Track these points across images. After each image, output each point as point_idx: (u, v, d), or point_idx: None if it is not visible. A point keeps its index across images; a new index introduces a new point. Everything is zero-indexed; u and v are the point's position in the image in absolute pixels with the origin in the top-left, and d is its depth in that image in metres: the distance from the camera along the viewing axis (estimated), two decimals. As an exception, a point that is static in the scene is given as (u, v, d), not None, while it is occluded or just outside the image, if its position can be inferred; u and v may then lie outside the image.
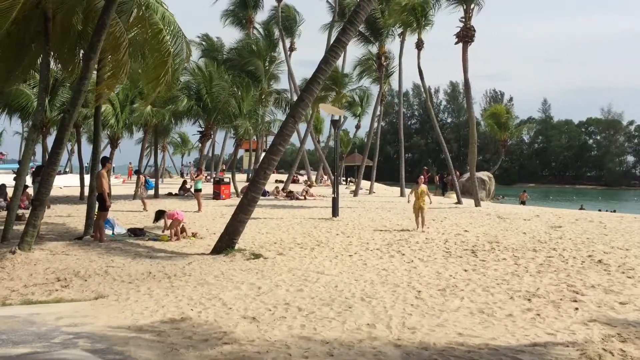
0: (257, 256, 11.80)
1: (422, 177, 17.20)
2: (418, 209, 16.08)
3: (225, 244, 12.36)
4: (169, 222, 14.81)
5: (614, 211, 29.21)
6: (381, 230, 16.01)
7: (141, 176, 24.89)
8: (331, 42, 18.40)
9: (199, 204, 21.74)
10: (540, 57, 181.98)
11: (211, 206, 23.89)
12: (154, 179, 29.79)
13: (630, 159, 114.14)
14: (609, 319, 7.14)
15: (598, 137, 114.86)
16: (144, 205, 22.43)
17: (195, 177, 24.18)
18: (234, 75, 29.63)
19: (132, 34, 14.55)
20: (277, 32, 42.73)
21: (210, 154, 55.33)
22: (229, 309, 7.86)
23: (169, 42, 14.10)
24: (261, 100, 31.30)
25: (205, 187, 32.07)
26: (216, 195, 28.14)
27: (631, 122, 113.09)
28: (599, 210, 28.01)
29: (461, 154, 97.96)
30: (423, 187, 16.32)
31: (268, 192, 30.44)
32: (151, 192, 27.30)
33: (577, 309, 7.62)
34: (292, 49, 49.60)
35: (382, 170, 60.33)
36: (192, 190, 29.85)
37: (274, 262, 11.31)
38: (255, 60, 31.23)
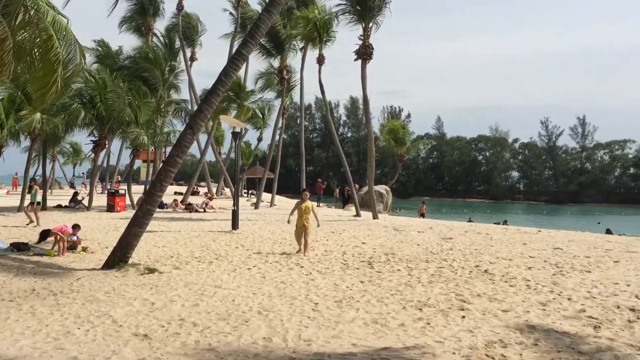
0: (151, 271, 11.42)
1: (306, 192, 15.12)
2: (301, 228, 14.16)
3: (118, 258, 11.86)
4: (58, 237, 13.95)
5: (504, 222, 31.03)
6: (281, 243, 16.02)
7: None
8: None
9: (37, 218, 20.32)
10: (436, 76, 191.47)
11: (104, 219, 22.88)
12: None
13: (515, 174, 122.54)
14: (492, 325, 7.56)
15: (487, 154, 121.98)
16: None
17: (28, 190, 22.67)
18: (130, 83, 28.67)
19: (20, 37, 13.67)
20: (177, 41, 41.92)
21: (105, 165, 53.01)
22: (120, 326, 7.54)
23: (60, 49, 13.38)
24: (159, 110, 30.50)
25: (99, 199, 30.79)
26: (110, 208, 26.99)
27: (516, 140, 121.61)
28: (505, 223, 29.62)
29: (361, 167, 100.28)
30: (308, 203, 14.49)
31: (166, 204, 29.62)
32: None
33: (464, 317, 8.01)
34: (192, 58, 48.80)
35: (284, 182, 60.66)
36: (68, 203, 28.49)
37: (170, 277, 10.99)
38: (152, 69, 30.42)
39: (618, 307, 8.49)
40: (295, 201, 15.27)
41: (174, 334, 7.17)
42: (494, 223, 29.84)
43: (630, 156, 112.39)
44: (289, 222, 14.69)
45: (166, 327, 7.48)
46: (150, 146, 33.37)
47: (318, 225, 14.85)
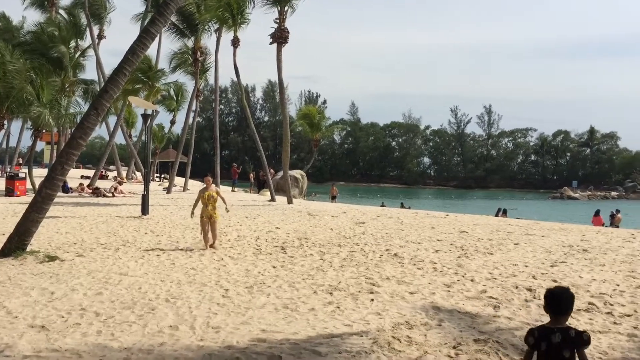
0: (52, 258, 10.82)
1: (209, 177, 13.09)
2: (207, 219, 12.38)
3: (15, 245, 11.15)
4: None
5: (409, 207, 31.94)
6: (193, 228, 15.68)
7: None
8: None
9: None
10: (351, 63, 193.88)
11: (2, 204, 21.49)
12: None
13: (427, 160, 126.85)
14: (400, 307, 7.74)
15: (400, 140, 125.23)
16: None
17: None
18: (32, 60, 26.93)
19: None
20: (84, 18, 39.83)
21: (4, 146, 49.81)
22: (15, 317, 7.09)
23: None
24: (64, 89, 28.92)
25: (-4, 183, 28.89)
26: (9, 192, 25.41)
27: (427, 127, 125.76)
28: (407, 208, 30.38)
29: (277, 152, 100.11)
30: (213, 189, 12.70)
31: (71, 188, 28.28)
32: None
33: (372, 300, 8.15)
34: (100, 36, 46.50)
35: (198, 166, 59.44)
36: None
37: (72, 265, 10.46)
38: (58, 46, 28.74)
39: (516, 287, 8.93)
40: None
41: (74, 325, 6.82)
42: (403, 207, 30.72)
43: (531, 144, 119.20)
44: (192, 215, 12.96)
45: (66, 318, 7.10)
46: (54, 127, 31.67)
47: (227, 211, 13.87)
